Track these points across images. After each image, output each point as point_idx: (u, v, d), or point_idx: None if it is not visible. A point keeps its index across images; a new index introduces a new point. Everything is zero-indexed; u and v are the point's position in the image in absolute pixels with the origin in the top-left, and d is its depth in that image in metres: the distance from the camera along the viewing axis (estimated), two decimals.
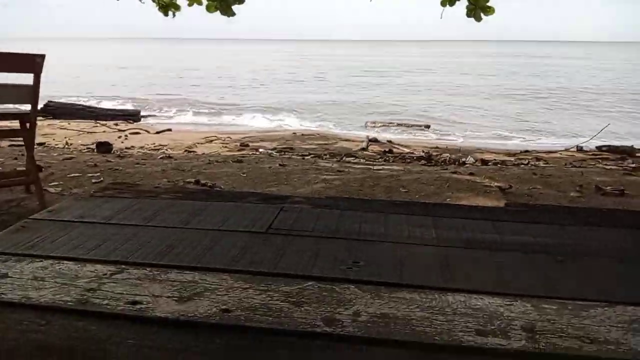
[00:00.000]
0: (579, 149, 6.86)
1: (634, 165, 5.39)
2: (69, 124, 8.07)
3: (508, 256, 1.18)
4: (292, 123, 9.85)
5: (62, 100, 9.90)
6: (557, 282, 1.05)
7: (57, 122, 8.23)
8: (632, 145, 6.55)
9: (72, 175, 3.79)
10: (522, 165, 5.37)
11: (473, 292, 1.00)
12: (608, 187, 3.72)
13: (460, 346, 0.82)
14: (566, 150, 6.84)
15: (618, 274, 1.10)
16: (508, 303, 0.96)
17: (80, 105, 9.76)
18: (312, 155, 5.72)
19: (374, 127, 9.10)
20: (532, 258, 1.17)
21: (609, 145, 6.76)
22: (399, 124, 9.32)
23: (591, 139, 7.39)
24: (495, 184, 3.79)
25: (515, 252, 1.20)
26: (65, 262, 1.09)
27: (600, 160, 5.89)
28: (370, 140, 6.88)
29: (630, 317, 0.92)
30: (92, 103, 10.84)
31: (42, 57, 2.74)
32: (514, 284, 1.04)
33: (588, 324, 0.89)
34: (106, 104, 11.03)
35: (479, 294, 0.99)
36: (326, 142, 7.06)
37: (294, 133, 8.04)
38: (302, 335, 0.86)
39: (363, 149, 6.34)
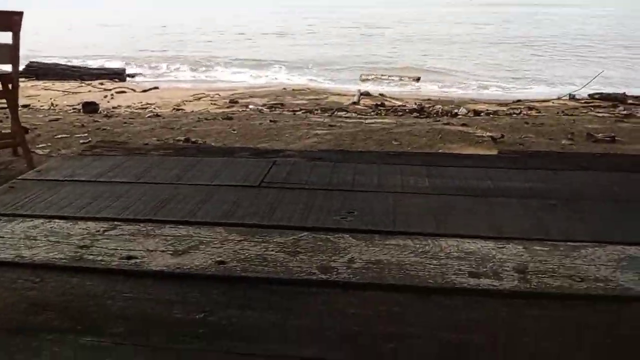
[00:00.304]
0: (572, 97, 6.82)
1: (625, 112, 5.39)
2: (53, 84, 7.87)
3: (501, 202, 1.18)
4: (282, 78, 9.67)
5: (45, 60, 9.59)
6: (550, 225, 1.06)
7: (40, 83, 8.02)
8: (624, 92, 6.53)
9: (60, 136, 3.73)
10: (515, 115, 5.35)
11: (466, 237, 1.01)
12: (599, 135, 3.73)
13: (453, 288, 0.83)
14: (558, 98, 6.81)
15: (609, 215, 1.12)
16: (500, 246, 0.97)
17: (63, 65, 9.47)
18: (303, 111, 5.66)
19: (367, 79, 8.96)
20: (525, 203, 1.17)
21: (601, 93, 6.73)
22: (390, 77, 9.18)
23: (583, 87, 7.34)
24: (488, 134, 3.79)
25: (509, 197, 1.21)
26: (56, 220, 1.08)
27: (592, 108, 5.88)
28: (361, 94, 6.79)
29: (619, 256, 0.94)
30: (76, 63, 10.52)
31: (20, 14, 2.63)
32: (507, 228, 1.05)
33: (579, 263, 0.91)
34: (90, 63, 10.71)
35: (471, 239, 1.00)
36: (317, 96, 6.96)
37: (284, 88, 7.91)
38: (298, 283, 0.86)
39: (354, 103, 6.27)
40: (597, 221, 1.09)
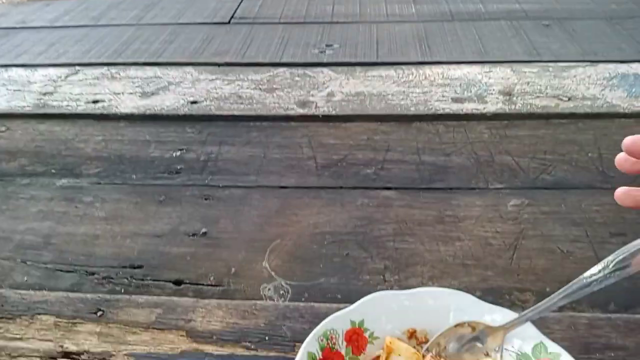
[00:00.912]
0: None
1: None
2: None
3: (491, 25, 1.10)
4: None
5: None
6: (540, 47, 1.00)
7: None
8: None
9: None
10: None
11: (452, 63, 0.95)
12: None
13: (435, 114, 0.81)
14: None
15: (604, 33, 1.05)
16: (487, 70, 0.92)
17: None
18: None
19: None
20: (517, 25, 1.09)
21: None
22: None
23: None
24: None
25: (499, 20, 1.12)
26: (13, 68, 1.00)
27: None
28: None
29: (610, 74, 0.90)
30: None
31: None
32: (495, 52, 0.99)
33: (568, 83, 0.87)
34: None
35: (457, 64, 0.95)
36: None
37: None
38: (276, 118, 0.83)
39: None
40: (591, 40, 1.02)
